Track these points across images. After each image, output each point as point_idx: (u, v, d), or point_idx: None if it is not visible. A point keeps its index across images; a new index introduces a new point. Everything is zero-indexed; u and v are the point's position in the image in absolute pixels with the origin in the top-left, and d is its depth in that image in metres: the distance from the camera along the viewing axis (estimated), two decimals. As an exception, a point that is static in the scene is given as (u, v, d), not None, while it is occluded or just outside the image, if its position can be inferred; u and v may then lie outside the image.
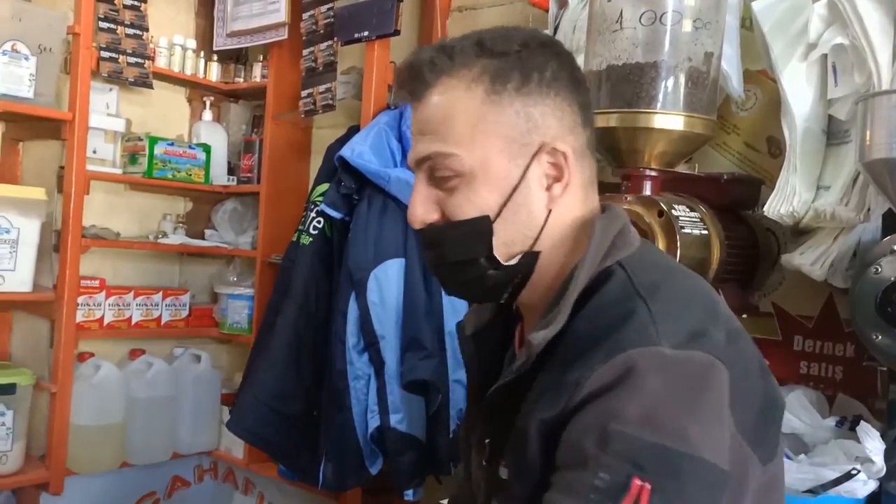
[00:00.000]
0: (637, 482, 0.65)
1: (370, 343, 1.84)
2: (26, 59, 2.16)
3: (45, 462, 2.33)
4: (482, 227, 0.81)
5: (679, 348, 0.71)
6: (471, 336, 0.95)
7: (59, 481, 2.31)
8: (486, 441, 0.87)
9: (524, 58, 0.82)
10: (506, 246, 0.82)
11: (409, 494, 1.87)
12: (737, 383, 0.72)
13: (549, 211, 0.83)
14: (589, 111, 0.87)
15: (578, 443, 0.70)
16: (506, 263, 0.83)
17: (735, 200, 1.47)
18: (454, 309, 1.88)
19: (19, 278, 2.22)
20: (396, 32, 2.04)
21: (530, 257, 0.83)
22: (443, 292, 1.86)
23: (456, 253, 0.83)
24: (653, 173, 1.39)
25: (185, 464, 2.75)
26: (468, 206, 0.81)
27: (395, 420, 1.82)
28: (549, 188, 0.83)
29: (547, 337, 0.77)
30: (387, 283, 1.85)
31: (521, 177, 0.81)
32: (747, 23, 1.55)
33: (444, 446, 1.86)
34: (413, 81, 0.83)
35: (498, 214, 0.81)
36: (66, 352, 2.31)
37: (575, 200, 0.85)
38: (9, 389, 2.22)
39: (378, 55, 2.09)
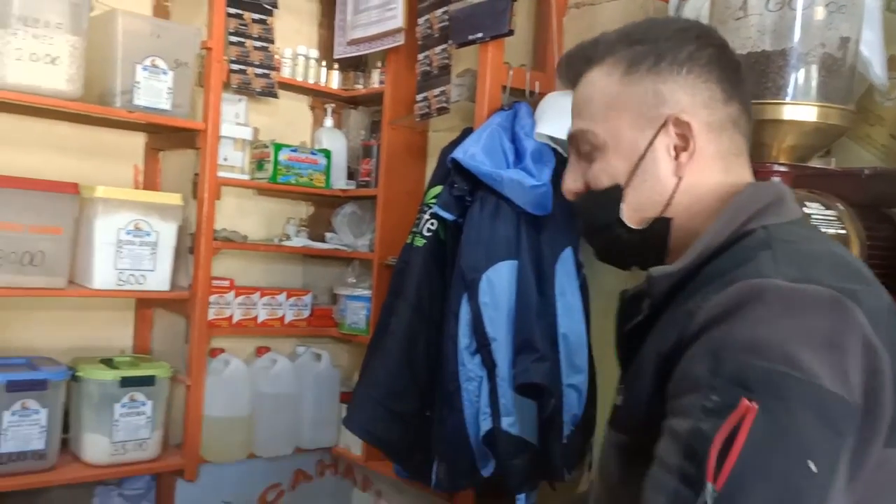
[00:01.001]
0: (745, 402, 0.68)
1: (482, 345, 1.84)
2: (164, 73, 2.31)
3: (181, 450, 2.47)
4: (613, 194, 0.91)
5: (797, 283, 0.73)
6: (630, 298, 1.00)
7: (193, 468, 2.46)
8: (621, 385, 0.93)
9: (661, 42, 0.91)
10: (636, 211, 0.91)
11: (521, 499, 1.85)
12: (873, 334, 0.71)
13: (679, 179, 0.90)
14: (737, 89, 0.92)
15: (692, 370, 0.73)
16: (636, 227, 0.91)
17: (878, 197, 1.35)
18: (568, 311, 1.85)
19: (159, 278, 2.38)
20: (510, 33, 2.02)
21: (661, 223, 0.90)
22: (556, 294, 1.84)
23: (595, 218, 0.94)
24: (782, 168, 1.31)
25: (308, 458, 2.85)
26: (603, 175, 0.92)
27: (506, 423, 1.81)
28: (676, 157, 0.90)
29: (666, 272, 0.85)
30: (499, 284, 1.84)
31: (647, 146, 0.90)
32: (893, 4, 1.44)
33: (558, 452, 1.83)
34: (569, 72, 0.98)
35: (627, 182, 0.90)
36: (200, 347, 2.45)
37: (708, 170, 0.90)
38: (149, 381, 2.38)
39: (492, 56, 2.08)
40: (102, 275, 2.27)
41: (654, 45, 0.91)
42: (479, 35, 2.05)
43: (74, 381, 2.31)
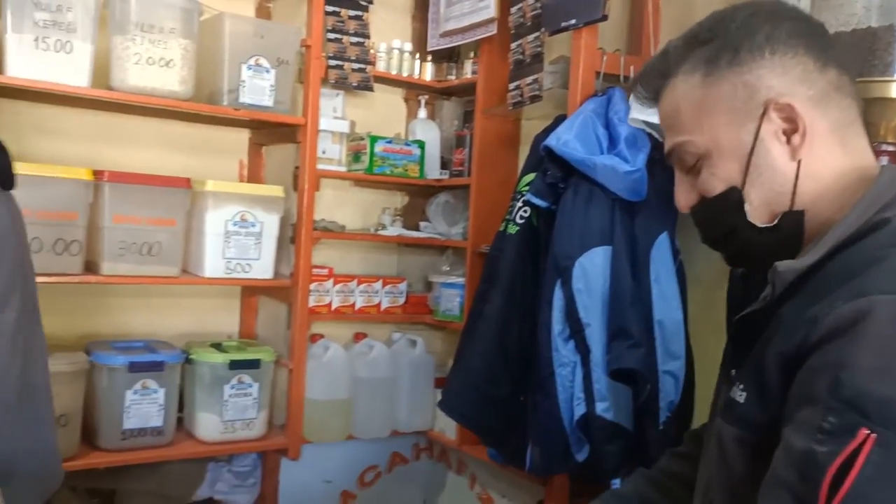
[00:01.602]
0: (864, 431, 0.67)
1: (576, 331, 1.85)
2: (267, 71, 2.42)
3: (284, 430, 2.59)
4: (733, 198, 0.88)
5: None
6: (741, 276, 0.99)
7: (296, 448, 2.57)
8: (731, 370, 0.92)
9: (732, 34, 0.88)
10: (763, 207, 0.88)
11: (615, 484, 1.86)
12: None
13: (798, 162, 0.87)
14: (828, 53, 0.89)
15: (811, 383, 0.73)
16: (765, 225, 0.88)
17: None
18: (663, 297, 1.83)
19: (262, 266, 2.50)
20: (604, 18, 2.01)
21: (793, 217, 0.87)
22: (651, 281, 1.84)
23: (717, 227, 0.91)
24: (890, 148, 1.27)
25: (404, 441, 2.93)
26: (715, 182, 0.89)
27: (601, 408, 1.82)
28: (788, 141, 0.87)
29: (792, 267, 0.82)
30: (592, 271, 1.84)
31: (753, 141, 0.87)
32: None
33: (654, 439, 1.83)
34: (646, 91, 0.96)
35: (744, 181, 0.88)
36: (301, 333, 2.56)
37: (826, 148, 0.87)
38: (255, 364, 2.50)
39: (586, 42, 2.08)
40: (212, 264, 2.41)
41: (725, 38, 0.88)
42: (573, 22, 2.05)
43: (188, 363, 2.46)
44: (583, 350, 1.84)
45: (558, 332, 1.87)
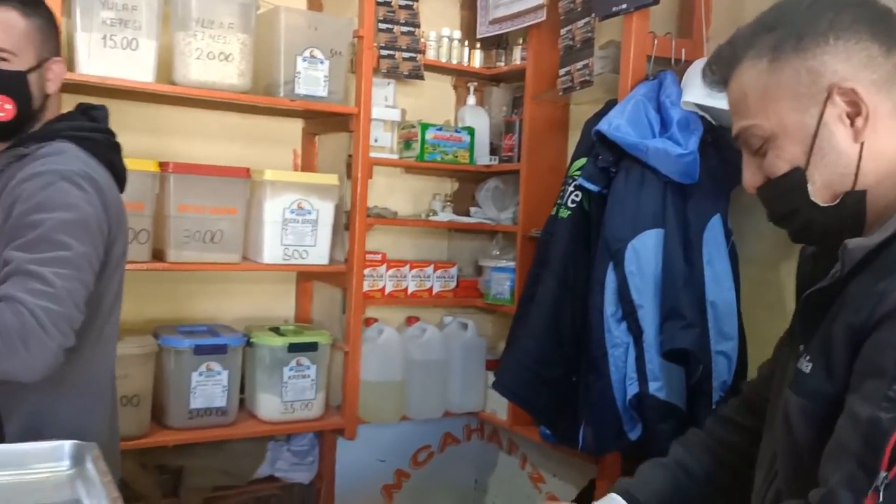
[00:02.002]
0: None
1: (628, 312, 1.88)
2: (321, 63, 2.49)
3: (341, 411, 2.68)
4: (796, 179, 0.92)
5: None
6: (810, 255, 1.03)
7: (352, 428, 2.66)
8: (800, 345, 0.96)
9: (797, 22, 0.92)
10: (826, 187, 0.91)
11: (669, 461, 1.89)
12: None
13: (861, 144, 0.90)
14: (892, 38, 0.92)
15: (879, 355, 0.78)
16: (827, 205, 0.91)
17: None
18: (716, 279, 1.85)
19: (318, 253, 2.58)
20: (656, 2, 2.03)
21: (854, 196, 0.91)
22: (704, 262, 1.86)
23: (782, 205, 0.95)
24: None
25: (456, 422, 3.00)
26: (780, 163, 0.93)
27: (654, 388, 1.85)
28: (852, 124, 0.90)
29: (862, 244, 0.86)
30: (645, 253, 1.87)
31: (817, 124, 0.90)
32: None
33: (706, 418, 1.85)
34: (715, 78, 1.00)
35: (807, 163, 0.92)
36: (356, 317, 2.64)
37: (890, 130, 0.91)
38: (312, 347, 2.59)
39: (637, 26, 2.09)
40: (271, 250, 2.50)
41: (790, 26, 0.92)
42: (624, 6, 2.06)
43: (249, 346, 2.56)
44: (635, 331, 1.87)
45: (611, 313, 1.91)
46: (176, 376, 2.39)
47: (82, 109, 1.48)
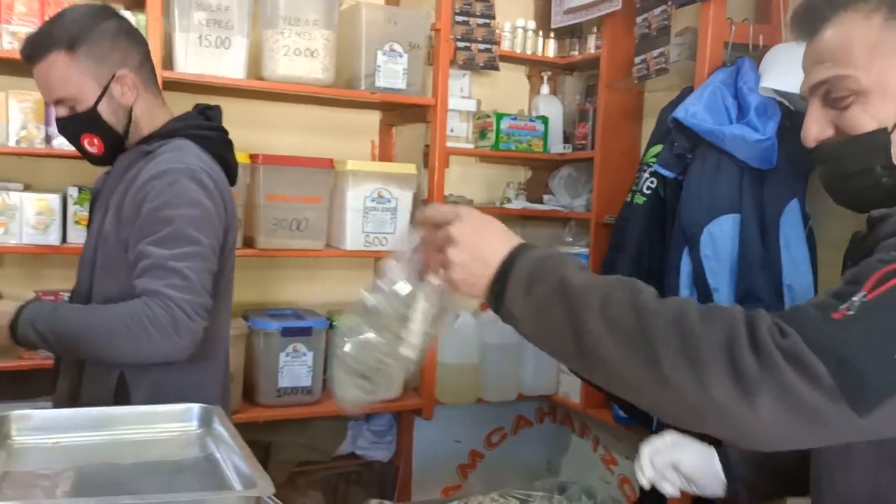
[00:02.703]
0: None
1: (704, 295, 1.92)
2: (400, 56, 2.58)
3: (418, 392, 2.79)
4: (880, 139, 0.90)
5: None
6: (861, 238, 1.01)
7: (429, 408, 2.76)
8: None
9: None
10: None
11: (745, 442, 1.92)
12: None
13: None
14: None
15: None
16: None
17: None
18: (793, 262, 1.87)
19: (397, 240, 2.68)
20: (733, -12, 2.04)
21: None
22: (781, 246, 1.87)
23: (852, 164, 0.92)
24: None
25: (528, 405, 3.07)
26: (866, 120, 0.90)
27: (730, 369, 1.88)
28: None
29: (884, 213, 0.86)
30: (721, 237, 1.90)
31: None
32: None
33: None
34: (811, 20, 0.93)
35: (895, 126, 0.89)
36: (434, 301, 2.73)
37: None
38: (393, 329, 2.70)
39: (714, 13, 2.10)
40: (353, 237, 2.61)
41: None
42: (701, -7, 2.08)
43: (331, 329, 2.68)
44: (712, 314, 1.90)
45: (686, 297, 1.94)
46: (265, 357, 2.53)
47: (200, 109, 1.60)
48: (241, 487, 0.92)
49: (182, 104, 2.57)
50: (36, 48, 1.42)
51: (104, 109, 1.45)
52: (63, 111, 1.46)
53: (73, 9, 1.49)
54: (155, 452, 1.07)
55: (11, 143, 2.19)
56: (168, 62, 2.31)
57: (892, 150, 0.89)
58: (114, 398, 1.38)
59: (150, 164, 1.41)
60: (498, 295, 0.86)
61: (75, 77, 1.42)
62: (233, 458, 0.99)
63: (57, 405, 1.49)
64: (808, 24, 0.94)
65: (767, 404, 0.71)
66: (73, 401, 1.44)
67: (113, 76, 1.44)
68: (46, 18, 2.12)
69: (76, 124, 1.46)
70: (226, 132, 1.59)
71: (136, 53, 1.48)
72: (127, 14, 2.22)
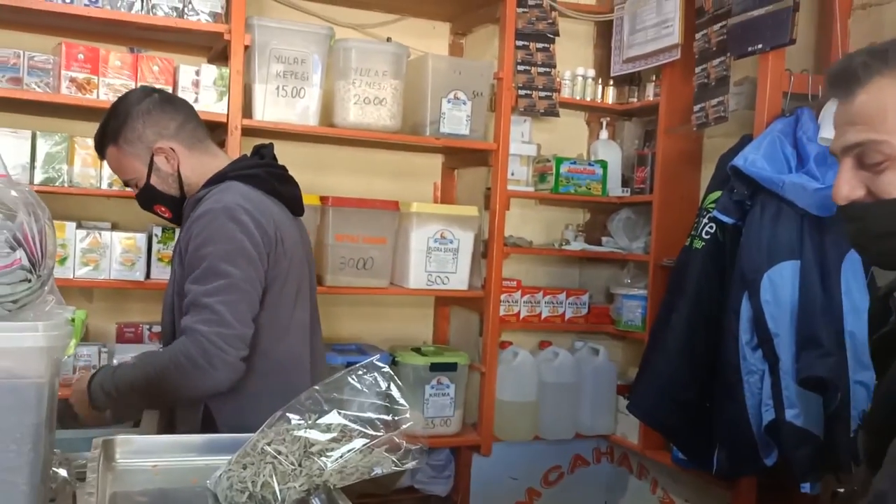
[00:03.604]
0: None
1: (764, 340, 1.94)
2: (464, 103, 2.69)
3: (477, 428, 2.84)
4: None
5: None
6: (882, 297, 1.04)
7: (488, 445, 2.81)
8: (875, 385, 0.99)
9: None
10: None
11: (805, 487, 1.92)
12: None
13: None
14: None
15: None
16: None
17: None
18: (854, 309, 1.88)
19: (458, 279, 2.77)
20: (792, 42, 2.08)
21: None
22: (842, 293, 1.89)
23: (882, 225, 0.93)
24: None
25: (586, 444, 3.09)
26: None
27: (790, 415, 1.90)
28: None
29: None
30: (781, 283, 1.93)
31: None
32: None
33: (845, 445, 1.88)
34: (846, 81, 0.95)
35: None
36: (492, 340, 2.80)
37: None
38: (451, 367, 2.77)
39: (773, 65, 2.16)
40: (416, 276, 2.71)
41: None
42: (759, 46, 2.14)
43: (394, 364, 2.76)
44: (771, 358, 1.93)
45: (746, 341, 1.97)
46: (330, 390, 2.62)
47: (255, 149, 1.73)
48: (325, 512, 1.00)
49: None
50: (97, 148, 1.66)
51: (156, 181, 1.61)
52: (133, 190, 1.66)
53: (116, 102, 1.64)
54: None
55: (104, 186, 2.36)
56: (248, 111, 2.47)
57: None
58: (201, 427, 1.49)
59: (197, 208, 1.54)
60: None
61: (126, 163, 1.62)
62: (317, 485, 1.08)
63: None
64: (844, 85, 0.94)
65: None
66: (171, 429, 1.57)
67: (153, 151, 1.59)
68: (139, 71, 2.33)
69: (143, 199, 1.65)
70: (278, 167, 1.68)
71: (171, 122, 1.61)
72: (211, 68, 2.40)
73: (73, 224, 2.32)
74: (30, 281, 0.93)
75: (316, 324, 1.71)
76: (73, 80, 2.26)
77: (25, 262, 0.93)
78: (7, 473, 0.88)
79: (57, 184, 2.28)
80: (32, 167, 2.26)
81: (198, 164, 1.61)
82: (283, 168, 1.70)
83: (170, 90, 2.34)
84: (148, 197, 1.64)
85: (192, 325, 1.43)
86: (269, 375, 1.53)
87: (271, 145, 1.73)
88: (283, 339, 1.56)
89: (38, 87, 2.25)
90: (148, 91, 1.65)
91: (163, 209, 1.65)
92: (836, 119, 0.98)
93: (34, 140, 2.26)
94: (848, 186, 0.95)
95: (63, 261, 2.28)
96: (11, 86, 2.22)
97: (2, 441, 0.87)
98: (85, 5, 2.24)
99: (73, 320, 0.95)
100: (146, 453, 1.20)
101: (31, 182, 2.25)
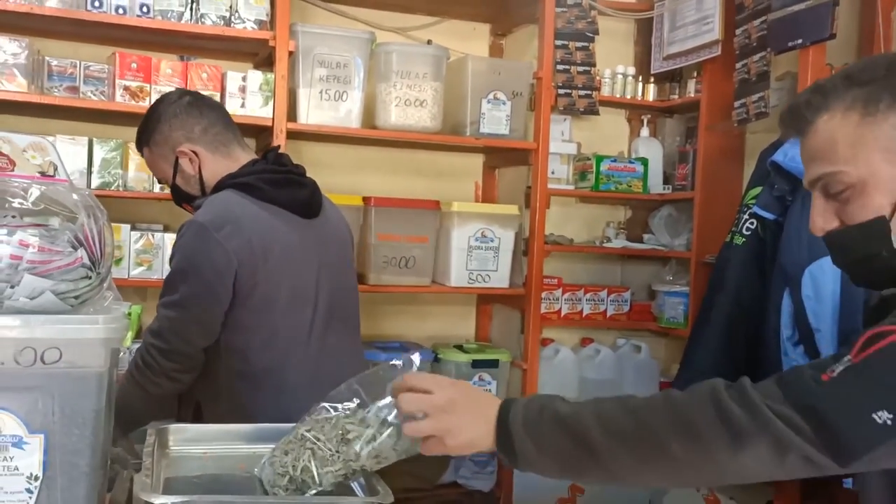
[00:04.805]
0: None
1: (805, 335, 1.92)
2: (503, 103, 2.73)
3: (519, 425, 2.86)
4: (879, 227, 0.96)
5: None
6: (874, 308, 1.06)
7: (530, 442, 2.83)
8: None
9: (890, 79, 0.96)
10: None
11: (848, 483, 1.90)
12: None
13: None
14: None
15: None
16: None
17: None
18: (897, 305, 1.86)
19: (499, 277, 2.80)
20: (832, 36, 2.07)
21: None
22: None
23: (859, 251, 0.98)
24: None
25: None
26: (863, 211, 0.97)
27: (833, 411, 1.88)
28: None
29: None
30: (822, 278, 1.91)
31: None
32: None
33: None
34: (796, 121, 1.02)
35: (893, 213, 0.96)
36: (534, 337, 2.82)
37: None
38: (494, 364, 2.81)
39: (813, 60, 2.14)
40: (457, 275, 2.75)
41: (884, 82, 0.95)
42: (800, 41, 2.12)
43: (436, 361, 2.81)
44: (812, 354, 1.91)
45: (787, 336, 1.96)
46: (375, 386, 2.68)
47: (263, 153, 1.73)
48: (364, 496, 1.05)
49: (298, 151, 2.82)
50: (137, 149, 1.75)
51: (181, 182, 1.68)
52: (166, 189, 1.77)
53: (152, 105, 1.72)
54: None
55: (156, 189, 2.46)
56: (292, 114, 2.54)
57: (892, 236, 0.95)
58: (192, 419, 1.62)
59: None
60: (509, 452, 0.98)
61: (155, 164, 1.71)
62: (357, 472, 1.13)
63: None
64: (795, 125, 1.02)
65: (764, 452, 0.84)
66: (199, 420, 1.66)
67: (176, 158, 1.66)
68: (188, 79, 2.42)
69: (174, 197, 1.74)
70: (280, 171, 1.66)
71: (197, 124, 1.65)
72: (257, 73, 2.48)
73: (128, 226, 2.42)
74: (90, 278, 1.00)
75: (336, 323, 1.70)
76: (126, 88, 2.36)
77: (86, 261, 0.99)
78: (70, 456, 0.94)
79: (112, 188, 2.38)
80: (89, 172, 2.37)
81: (217, 168, 1.65)
82: (289, 171, 1.67)
83: (217, 96, 2.43)
84: (175, 196, 1.72)
85: (145, 334, 1.56)
86: (258, 378, 1.57)
87: (277, 148, 1.76)
88: (271, 344, 1.59)
89: (94, 95, 2.36)
90: (180, 94, 1.72)
91: (189, 208, 1.71)
92: (801, 156, 1.04)
93: (91, 146, 2.37)
94: (821, 219, 1.00)
95: (119, 261, 2.38)
96: (69, 94, 2.33)
97: (65, 426, 0.94)
98: (137, 16, 2.34)
99: (129, 314, 1.01)
100: (197, 441, 1.26)
101: (89, 186, 2.35)
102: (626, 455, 0.90)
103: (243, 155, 1.70)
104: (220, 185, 1.62)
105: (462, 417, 0.99)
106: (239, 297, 1.54)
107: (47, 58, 2.34)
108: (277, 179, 1.63)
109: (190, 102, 1.68)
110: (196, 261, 1.52)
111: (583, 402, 0.97)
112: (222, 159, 1.66)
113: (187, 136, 1.65)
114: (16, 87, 2.23)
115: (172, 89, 2.36)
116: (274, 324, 1.58)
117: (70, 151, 2.33)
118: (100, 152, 2.36)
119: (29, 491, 0.93)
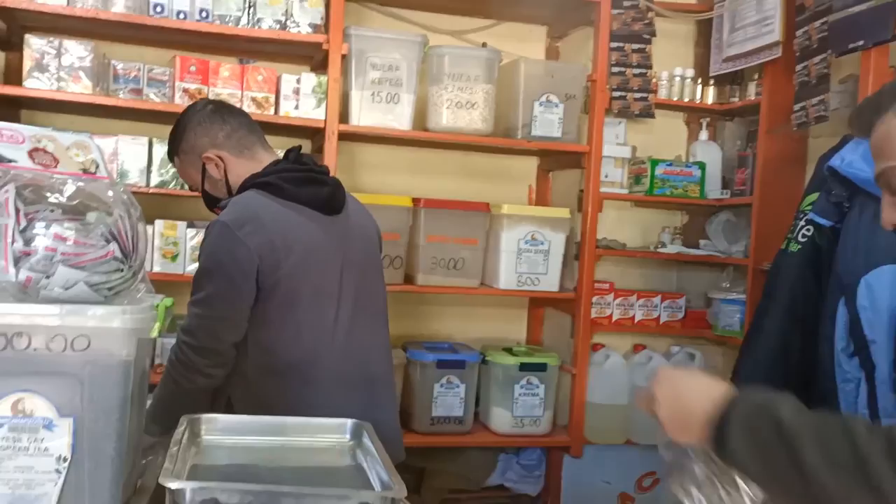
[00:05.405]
0: None
1: (860, 347, 1.84)
2: (556, 106, 2.71)
3: (567, 430, 2.84)
4: None
5: None
6: None
7: (578, 446, 2.81)
8: None
9: None
10: None
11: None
12: None
13: None
14: None
15: None
16: None
17: None
18: (960, 318, 1.76)
19: (549, 281, 2.79)
20: (894, 38, 1.98)
21: None
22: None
23: None
24: None
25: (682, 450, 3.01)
26: None
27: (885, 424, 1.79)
28: None
29: None
30: (879, 288, 1.82)
31: None
32: None
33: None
34: (863, 121, 1.08)
35: None
36: (584, 342, 2.79)
37: None
38: (542, 368, 2.79)
39: (875, 62, 2.06)
40: (506, 277, 2.75)
41: None
42: (861, 42, 2.05)
43: (484, 363, 2.81)
44: (867, 366, 1.82)
45: (842, 347, 1.87)
46: (421, 386, 2.71)
47: (286, 153, 1.75)
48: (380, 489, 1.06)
49: (350, 152, 2.87)
50: (169, 159, 1.83)
51: (209, 187, 1.73)
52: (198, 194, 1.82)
53: (179, 116, 1.77)
54: (313, 457, 1.25)
55: (214, 187, 2.54)
56: (345, 117, 2.58)
57: None
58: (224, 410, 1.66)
59: None
60: (719, 441, 0.96)
61: (185, 172, 1.77)
62: (376, 467, 1.14)
63: None
64: (864, 126, 1.08)
65: None
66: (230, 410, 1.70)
67: (203, 163, 1.70)
68: (245, 81, 2.49)
69: (205, 202, 1.79)
70: (301, 169, 1.68)
71: (220, 131, 1.69)
72: (311, 76, 2.54)
73: (184, 223, 2.51)
74: (122, 270, 1.05)
75: (362, 319, 1.71)
76: (186, 90, 2.45)
77: (118, 254, 1.04)
78: (97, 440, 0.99)
79: (170, 186, 2.48)
80: (149, 171, 2.46)
81: (242, 170, 1.69)
82: (310, 170, 1.70)
83: (272, 98, 2.50)
84: (206, 201, 1.78)
85: (179, 331, 1.60)
86: (285, 373, 1.60)
87: (299, 147, 1.78)
88: (297, 339, 1.61)
89: (156, 97, 2.46)
90: (204, 103, 1.77)
91: (219, 211, 1.74)
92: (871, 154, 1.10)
93: (150, 146, 2.46)
94: (890, 213, 1.06)
95: (175, 258, 2.47)
96: (133, 96, 2.44)
97: (93, 411, 0.98)
98: (197, 21, 2.42)
99: (157, 307, 1.05)
100: (228, 431, 1.30)
101: (148, 185, 2.45)
102: (834, 482, 0.87)
103: (266, 156, 1.73)
104: (244, 186, 1.66)
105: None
106: (263, 293, 1.57)
107: (112, 61, 2.45)
108: (298, 178, 1.66)
109: (213, 110, 1.73)
110: (219, 259, 1.56)
111: (807, 415, 0.95)
112: (247, 162, 1.70)
113: (212, 142, 1.70)
114: (82, 88, 2.34)
115: (230, 92, 2.47)
116: (299, 319, 1.61)
117: (131, 151, 2.43)
118: (159, 152, 2.45)
119: (58, 471, 0.98)
